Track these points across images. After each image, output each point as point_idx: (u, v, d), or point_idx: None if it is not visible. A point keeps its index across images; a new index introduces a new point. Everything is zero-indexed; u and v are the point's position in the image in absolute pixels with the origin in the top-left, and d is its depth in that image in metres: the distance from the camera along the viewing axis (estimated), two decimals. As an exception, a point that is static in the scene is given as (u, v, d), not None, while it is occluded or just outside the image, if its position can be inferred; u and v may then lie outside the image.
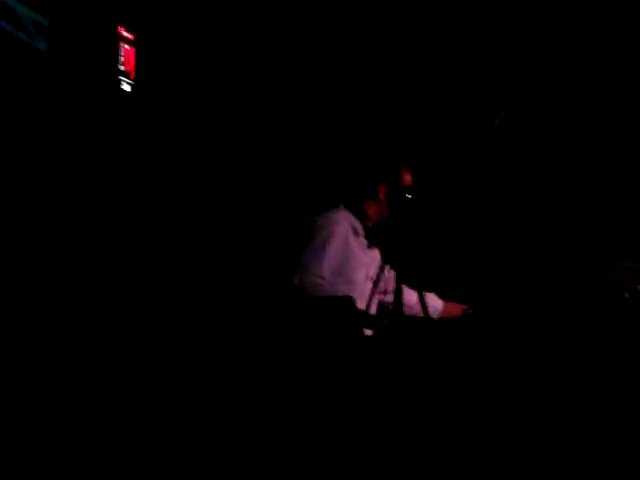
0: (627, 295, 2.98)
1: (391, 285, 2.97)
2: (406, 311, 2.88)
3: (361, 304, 2.88)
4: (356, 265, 2.95)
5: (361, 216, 3.08)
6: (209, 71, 4.46)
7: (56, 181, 3.91)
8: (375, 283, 2.97)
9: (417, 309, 2.96)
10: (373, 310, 3.04)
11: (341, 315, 2.69)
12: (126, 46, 4.22)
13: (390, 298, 2.95)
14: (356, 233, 3.04)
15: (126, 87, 4.29)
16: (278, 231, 4.03)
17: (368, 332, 2.83)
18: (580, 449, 2.51)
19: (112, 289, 3.82)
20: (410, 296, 3.04)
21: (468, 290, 3.72)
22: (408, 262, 2.93)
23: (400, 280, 2.81)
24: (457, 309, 3.22)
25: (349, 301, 2.72)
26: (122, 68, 4.24)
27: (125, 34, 4.20)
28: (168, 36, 4.46)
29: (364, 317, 2.81)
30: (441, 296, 3.30)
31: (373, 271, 3.03)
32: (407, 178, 3.12)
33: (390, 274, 3.04)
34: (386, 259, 3.03)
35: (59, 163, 3.90)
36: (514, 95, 4.22)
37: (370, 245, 3.09)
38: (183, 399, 3.06)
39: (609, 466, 2.47)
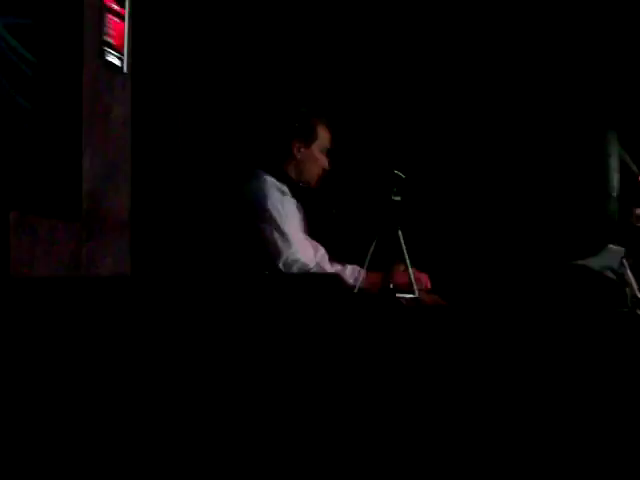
0: (613, 276, 3.05)
1: None
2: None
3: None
4: (303, 227, 2.95)
5: (283, 178, 2.96)
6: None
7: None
8: None
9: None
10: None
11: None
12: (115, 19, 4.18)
13: None
14: (283, 193, 2.98)
15: (116, 62, 4.24)
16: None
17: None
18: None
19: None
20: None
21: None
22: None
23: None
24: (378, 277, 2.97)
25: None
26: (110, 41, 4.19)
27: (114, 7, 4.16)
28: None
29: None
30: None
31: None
32: (324, 134, 3.02)
33: None
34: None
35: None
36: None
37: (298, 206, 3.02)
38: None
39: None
